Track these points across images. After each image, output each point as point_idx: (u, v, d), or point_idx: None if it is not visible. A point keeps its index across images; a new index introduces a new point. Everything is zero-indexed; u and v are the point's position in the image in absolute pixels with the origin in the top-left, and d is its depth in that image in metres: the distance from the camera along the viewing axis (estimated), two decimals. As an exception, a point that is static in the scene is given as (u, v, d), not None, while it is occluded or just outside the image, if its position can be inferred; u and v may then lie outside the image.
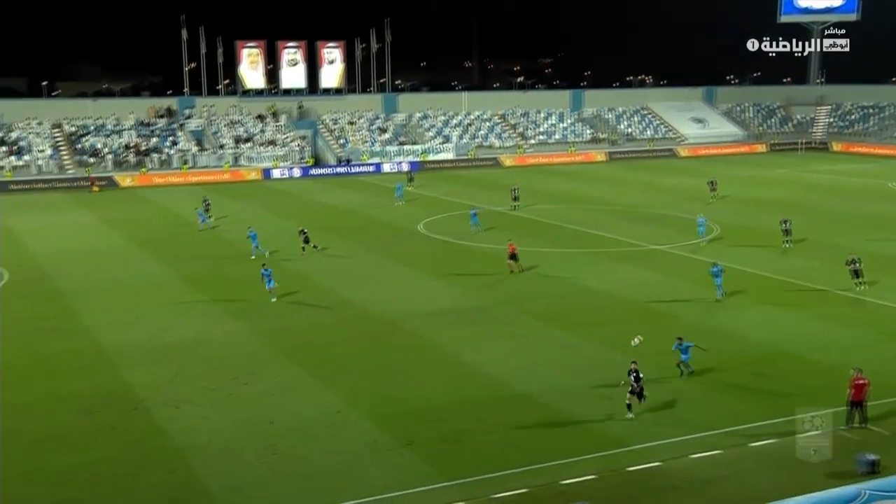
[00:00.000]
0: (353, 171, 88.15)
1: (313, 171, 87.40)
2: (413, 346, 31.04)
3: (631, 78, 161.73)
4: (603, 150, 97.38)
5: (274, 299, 36.89)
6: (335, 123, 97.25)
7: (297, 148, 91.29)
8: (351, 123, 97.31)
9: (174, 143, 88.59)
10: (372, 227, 51.12)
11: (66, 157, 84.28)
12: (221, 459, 22.22)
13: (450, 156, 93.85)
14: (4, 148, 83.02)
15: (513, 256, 41.45)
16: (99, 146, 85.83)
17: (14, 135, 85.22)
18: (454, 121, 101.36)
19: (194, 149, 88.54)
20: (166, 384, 27.57)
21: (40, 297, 39.29)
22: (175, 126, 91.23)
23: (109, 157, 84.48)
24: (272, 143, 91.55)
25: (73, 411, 25.74)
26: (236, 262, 46.67)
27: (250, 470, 21.63)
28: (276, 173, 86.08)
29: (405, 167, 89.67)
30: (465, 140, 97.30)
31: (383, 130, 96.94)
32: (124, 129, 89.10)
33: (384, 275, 38.37)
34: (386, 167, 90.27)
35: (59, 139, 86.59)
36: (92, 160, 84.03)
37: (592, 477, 20.17)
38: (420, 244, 49.93)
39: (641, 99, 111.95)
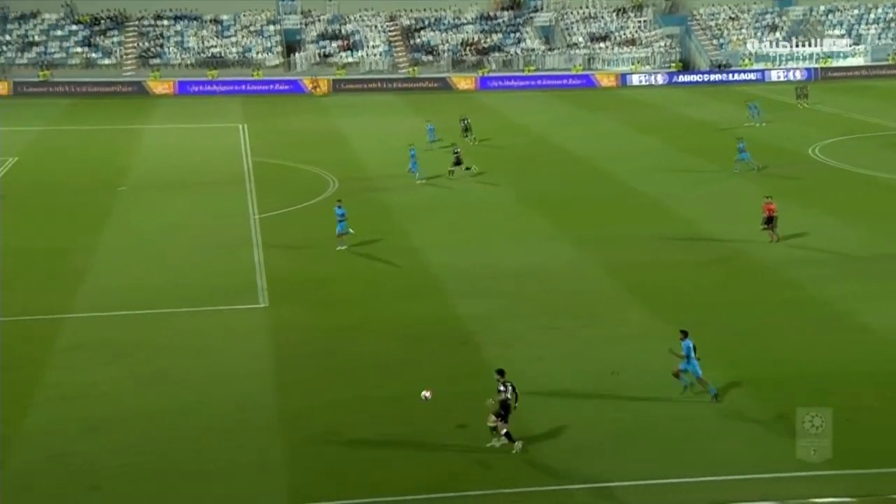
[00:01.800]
0: (730, 78, 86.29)
1: (680, 78, 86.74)
2: (793, 299, 30.27)
3: None
4: None
5: (342, 247, 36.17)
6: (712, 19, 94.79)
7: (662, 49, 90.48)
8: (732, 19, 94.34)
9: (518, 41, 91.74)
10: (753, 150, 49.60)
11: (399, 55, 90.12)
12: (554, 409, 22.91)
13: (861, 61, 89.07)
14: (338, 42, 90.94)
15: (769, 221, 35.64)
16: (436, 42, 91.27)
17: (348, 28, 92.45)
18: (871, 15, 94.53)
19: (541, 48, 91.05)
20: (498, 318, 28.75)
21: (368, 210, 42.26)
22: (520, 21, 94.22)
23: (446, 54, 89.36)
24: (632, 42, 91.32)
25: (397, 338, 27.65)
26: (587, 182, 47.60)
27: (589, 425, 22.02)
28: (634, 79, 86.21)
29: (798, 75, 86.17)
30: (884, 41, 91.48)
31: (773, 28, 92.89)
32: (464, 24, 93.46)
33: (757, 208, 37.26)
34: (773, 75, 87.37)
35: (393, 34, 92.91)
36: (427, 58, 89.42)
37: None
38: (811, 172, 48.56)
39: None
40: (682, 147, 48.38)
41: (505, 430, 20.95)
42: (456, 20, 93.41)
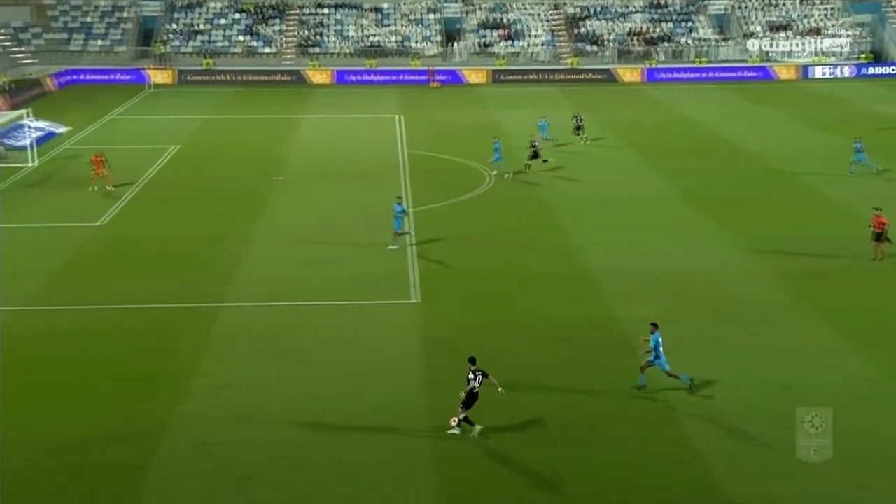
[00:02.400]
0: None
1: (871, 71, 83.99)
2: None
3: None
4: None
5: (393, 247, 36.08)
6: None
7: (851, 39, 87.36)
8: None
9: (690, 31, 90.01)
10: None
11: (562, 45, 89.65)
12: (717, 424, 22.54)
13: None
14: (498, 31, 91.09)
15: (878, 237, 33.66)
16: (601, 32, 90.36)
17: (510, 16, 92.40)
18: None
19: (714, 37, 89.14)
20: (661, 323, 28.14)
21: (524, 205, 42.54)
22: (693, 9, 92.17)
23: (611, 45, 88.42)
24: (816, 31, 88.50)
25: (554, 340, 27.76)
26: (760, 181, 46.53)
27: (754, 443, 21.66)
28: (817, 72, 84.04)
29: None
30: None
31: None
32: (632, 13, 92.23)
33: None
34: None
35: (557, 23, 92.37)
36: (591, 49, 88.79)
37: None
38: None
39: None
40: (869, 146, 46.75)
41: (463, 416, 21.99)
42: (623, 9, 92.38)
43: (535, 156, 48.81)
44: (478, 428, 22.05)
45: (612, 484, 20.11)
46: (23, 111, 56.75)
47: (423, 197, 44.23)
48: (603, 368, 25.64)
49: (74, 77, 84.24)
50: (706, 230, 38.44)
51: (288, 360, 26.60)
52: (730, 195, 44.03)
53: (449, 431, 22.04)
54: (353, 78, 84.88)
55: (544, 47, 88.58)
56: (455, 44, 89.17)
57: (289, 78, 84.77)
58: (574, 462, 20.85)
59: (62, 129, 58.85)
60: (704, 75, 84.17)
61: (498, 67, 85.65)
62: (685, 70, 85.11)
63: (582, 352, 26.84)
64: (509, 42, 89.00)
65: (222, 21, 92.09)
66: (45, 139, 56.32)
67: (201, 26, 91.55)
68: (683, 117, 65.70)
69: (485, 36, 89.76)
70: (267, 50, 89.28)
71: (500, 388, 22.11)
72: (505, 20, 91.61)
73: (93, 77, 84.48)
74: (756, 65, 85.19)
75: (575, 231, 38.61)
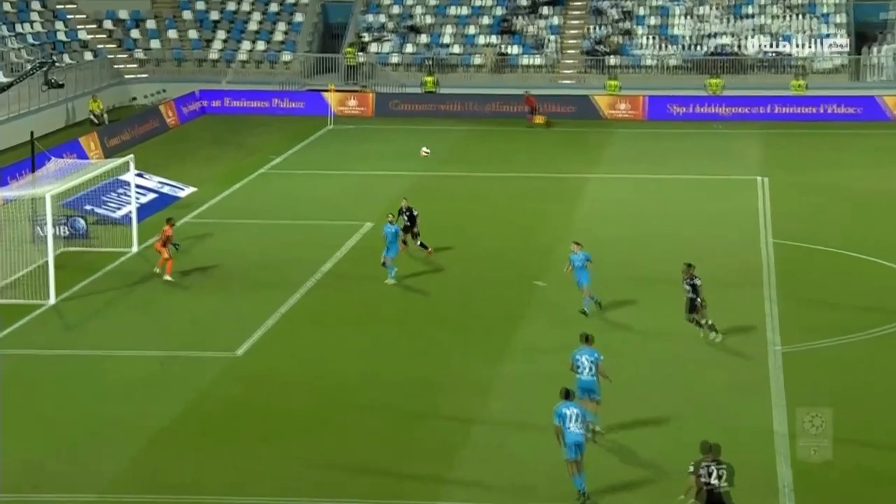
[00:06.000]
0: None
1: None
2: None
3: None
4: None
5: (391, 280, 44.15)
6: None
7: None
8: None
9: None
10: None
11: None
12: None
13: None
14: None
15: None
16: None
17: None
18: None
19: None
20: None
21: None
22: None
23: None
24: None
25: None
26: None
27: None
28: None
29: None
30: None
31: None
32: None
33: None
34: None
35: None
36: None
37: None
38: None
39: None
40: None
41: None
42: None
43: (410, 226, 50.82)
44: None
45: None
46: (124, 160, 55.82)
47: (796, 326, 43.00)
48: None
49: (209, 103, 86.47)
50: None
51: None
52: None
53: None
54: (678, 110, 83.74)
55: None
56: (873, 49, 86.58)
57: (568, 109, 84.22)
58: None
59: (184, 192, 59.43)
60: None
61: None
62: None
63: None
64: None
65: (455, 11, 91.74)
66: (156, 207, 56.23)
67: (420, 18, 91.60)
68: None
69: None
70: (530, 61, 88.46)
71: None
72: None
73: (239, 104, 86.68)
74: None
75: None
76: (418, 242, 50.19)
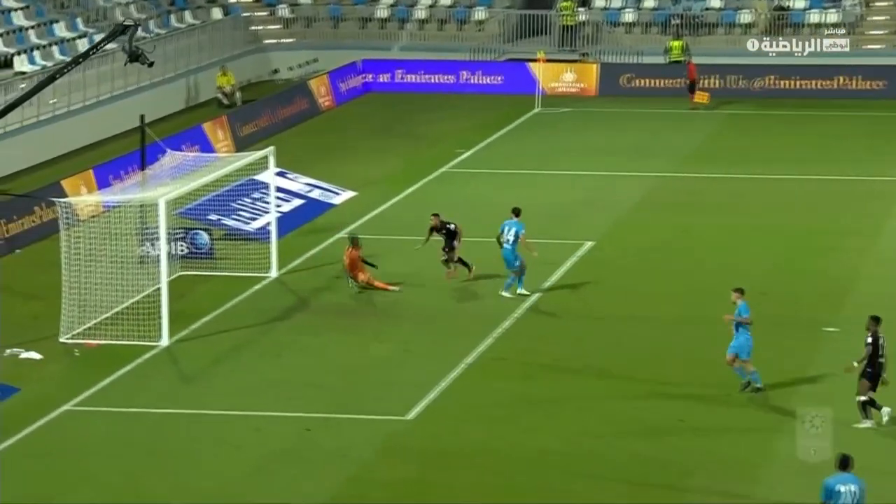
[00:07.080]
0: None
1: None
2: None
3: None
4: None
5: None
6: None
7: None
8: None
9: None
10: None
11: None
12: None
13: None
14: None
15: None
16: None
17: None
18: None
19: None
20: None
21: None
22: None
23: None
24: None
25: None
26: None
27: None
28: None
29: None
30: None
31: None
32: None
33: None
34: None
35: None
36: None
37: None
38: None
39: None
40: None
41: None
42: None
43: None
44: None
45: None
46: (261, 153, 57.03)
47: None
48: None
49: (375, 78, 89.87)
50: None
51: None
52: None
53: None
54: None
55: None
56: None
57: (875, 84, 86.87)
58: None
59: (341, 197, 62.55)
60: None
61: None
62: None
63: None
64: None
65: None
66: (304, 218, 59.45)
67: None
68: None
69: None
70: (822, 17, 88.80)
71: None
72: None
73: (415, 79, 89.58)
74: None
75: None
76: (456, 258, 51.74)
